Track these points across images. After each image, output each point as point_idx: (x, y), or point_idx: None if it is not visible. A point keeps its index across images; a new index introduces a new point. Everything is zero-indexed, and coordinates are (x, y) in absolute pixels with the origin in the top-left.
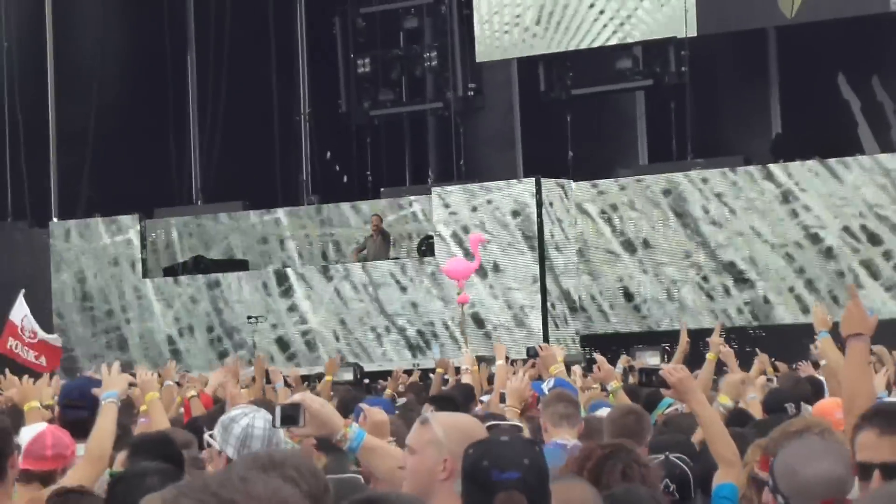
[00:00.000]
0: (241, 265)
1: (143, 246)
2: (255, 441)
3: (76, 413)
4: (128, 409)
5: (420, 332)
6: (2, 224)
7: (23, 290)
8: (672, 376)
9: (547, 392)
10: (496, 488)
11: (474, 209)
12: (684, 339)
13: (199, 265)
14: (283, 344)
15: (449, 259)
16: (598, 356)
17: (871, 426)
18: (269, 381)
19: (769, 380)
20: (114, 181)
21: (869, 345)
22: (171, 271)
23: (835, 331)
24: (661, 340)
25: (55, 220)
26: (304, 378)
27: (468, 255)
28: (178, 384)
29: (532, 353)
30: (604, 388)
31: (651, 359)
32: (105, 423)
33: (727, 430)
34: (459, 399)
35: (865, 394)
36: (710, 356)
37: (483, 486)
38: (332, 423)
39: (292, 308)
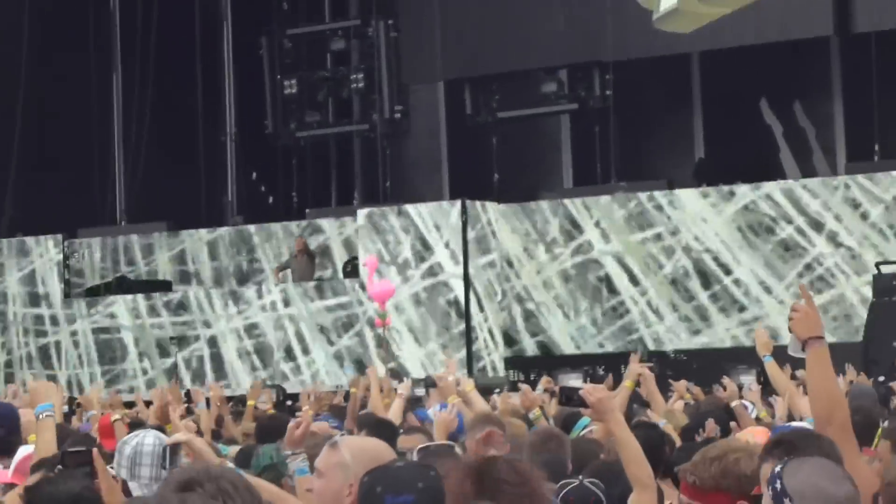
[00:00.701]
0: (165, 286)
1: (66, 266)
2: (145, 458)
3: None
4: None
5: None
6: None
7: None
8: (591, 396)
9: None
10: None
11: (399, 231)
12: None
13: (123, 285)
14: (208, 363)
15: (375, 282)
16: (522, 385)
17: (772, 458)
18: (189, 402)
19: (687, 404)
20: (37, 200)
21: (827, 347)
22: (94, 291)
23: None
24: (585, 363)
25: None
26: (229, 398)
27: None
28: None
29: (429, 383)
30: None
31: (574, 381)
32: (46, 438)
33: (643, 452)
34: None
35: (838, 400)
36: (627, 383)
37: None
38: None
39: (211, 327)
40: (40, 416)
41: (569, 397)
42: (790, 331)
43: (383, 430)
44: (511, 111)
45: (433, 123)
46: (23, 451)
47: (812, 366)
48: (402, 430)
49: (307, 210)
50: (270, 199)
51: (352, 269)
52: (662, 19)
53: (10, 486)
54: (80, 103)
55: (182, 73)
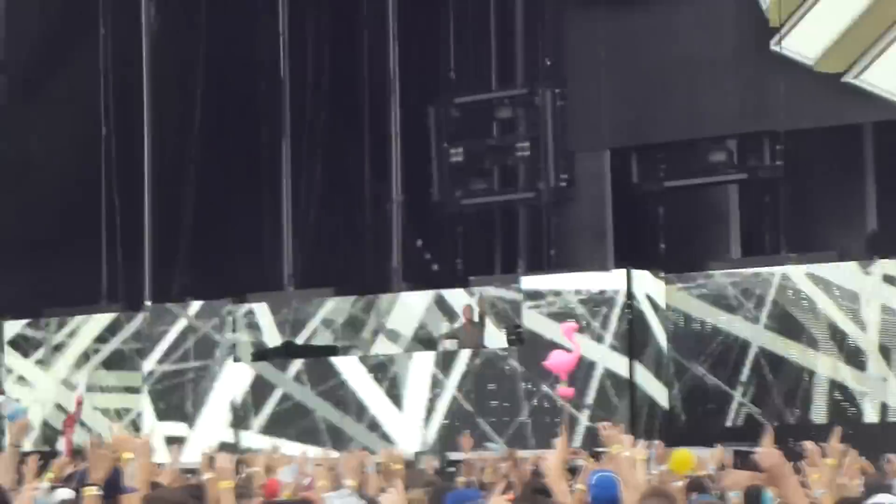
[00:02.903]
0: (331, 350)
1: (234, 330)
2: None
3: None
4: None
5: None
6: (95, 307)
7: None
8: (766, 460)
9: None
10: None
11: (564, 299)
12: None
13: (290, 350)
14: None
15: (552, 352)
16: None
17: None
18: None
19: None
20: (208, 265)
21: None
22: (261, 356)
23: None
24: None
25: (149, 303)
26: None
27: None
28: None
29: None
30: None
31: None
32: None
33: None
34: None
35: None
36: (830, 461)
37: None
38: None
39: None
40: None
41: (744, 460)
42: None
43: None
44: (678, 180)
45: (599, 192)
46: None
47: None
48: None
49: (471, 278)
50: (435, 267)
51: (515, 337)
52: None
53: None
54: (251, 170)
55: (350, 139)
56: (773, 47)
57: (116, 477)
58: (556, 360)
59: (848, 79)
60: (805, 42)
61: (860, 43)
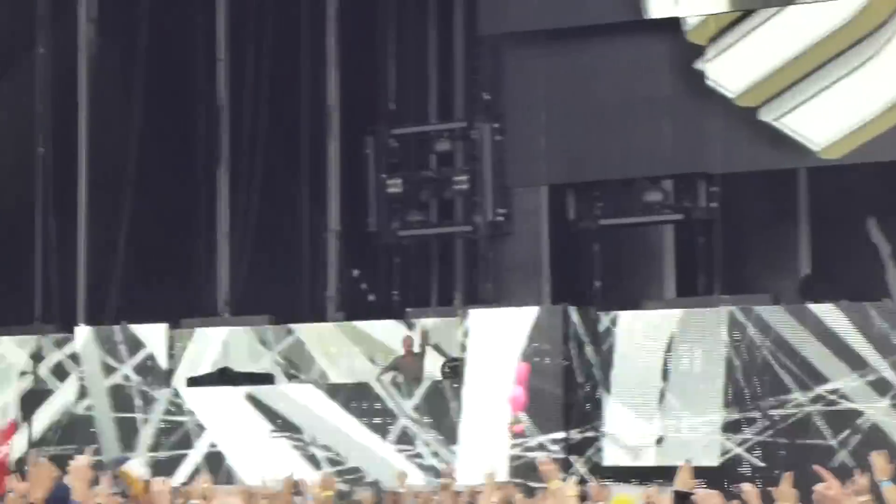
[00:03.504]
0: (267, 378)
1: (171, 356)
2: None
3: None
4: None
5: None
6: (28, 327)
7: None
8: (705, 502)
9: None
10: None
11: (501, 333)
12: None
13: (225, 377)
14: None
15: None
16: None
17: None
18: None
19: None
20: (142, 290)
21: None
22: (195, 382)
23: None
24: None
25: (81, 325)
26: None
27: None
28: None
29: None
30: None
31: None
32: None
33: None
34: None
35: None
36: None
37: None
38: None
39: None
40: None
41: (682, 501)
42: None
43: None
44: (614, 219)
45: (535, 227)
46: None
47: None
48: None
49: (407, 309)
50: (371, 297)
51: (450, 370)
52: None
53: None
54: (187, 195)
55: (288, 167)
56: (697, 66)
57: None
58: (515, 396)
59: (766, 118)
60: (729, 74)
61: (784, 83)
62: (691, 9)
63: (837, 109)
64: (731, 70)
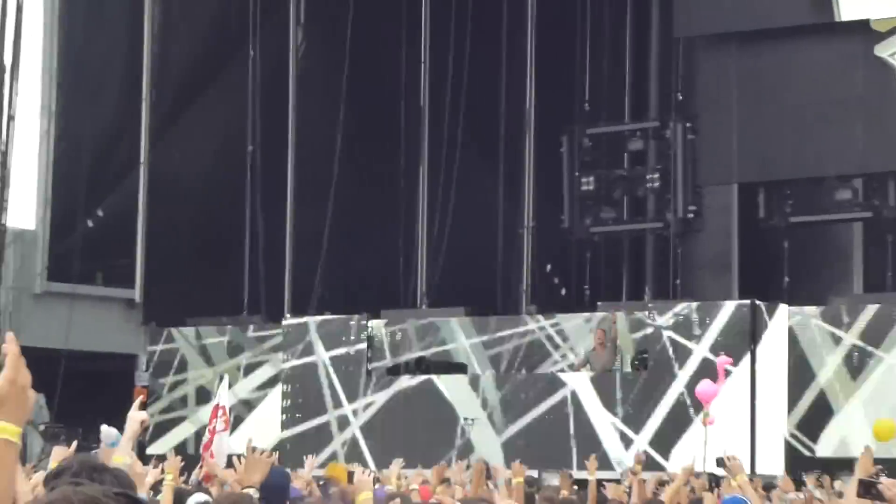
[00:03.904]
0: (460, 368)
1: (370, 346)
2: None
3: None
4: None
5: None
6: (237, 318)
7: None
8: (890, 490)
9: None
10: None
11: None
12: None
13: (421, 366)
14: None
15: (701, 381)
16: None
17: None
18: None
19: None
20: (344, 282)
21: None
22: (394, 370)
23: None
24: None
25: (288, 316)
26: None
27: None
28: None
29: (719, 463)
30: None
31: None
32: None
33: None
34: None
35: None
36: None
37: None
38: None
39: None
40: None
41: (867, 489)
42: None
43: None
44: (804, 216)
45: (726, 225)
46: None
47: None
48: None
49: (599, 303)
50: (563, 291)
51: (639, 363)
52: None
53: None
54: (388, 192)
55: (485, 167)
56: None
57: (281, 481)
58: (703, 389)
59: None
60: None
61: None
62: (883, 11)
63: None
64: None
